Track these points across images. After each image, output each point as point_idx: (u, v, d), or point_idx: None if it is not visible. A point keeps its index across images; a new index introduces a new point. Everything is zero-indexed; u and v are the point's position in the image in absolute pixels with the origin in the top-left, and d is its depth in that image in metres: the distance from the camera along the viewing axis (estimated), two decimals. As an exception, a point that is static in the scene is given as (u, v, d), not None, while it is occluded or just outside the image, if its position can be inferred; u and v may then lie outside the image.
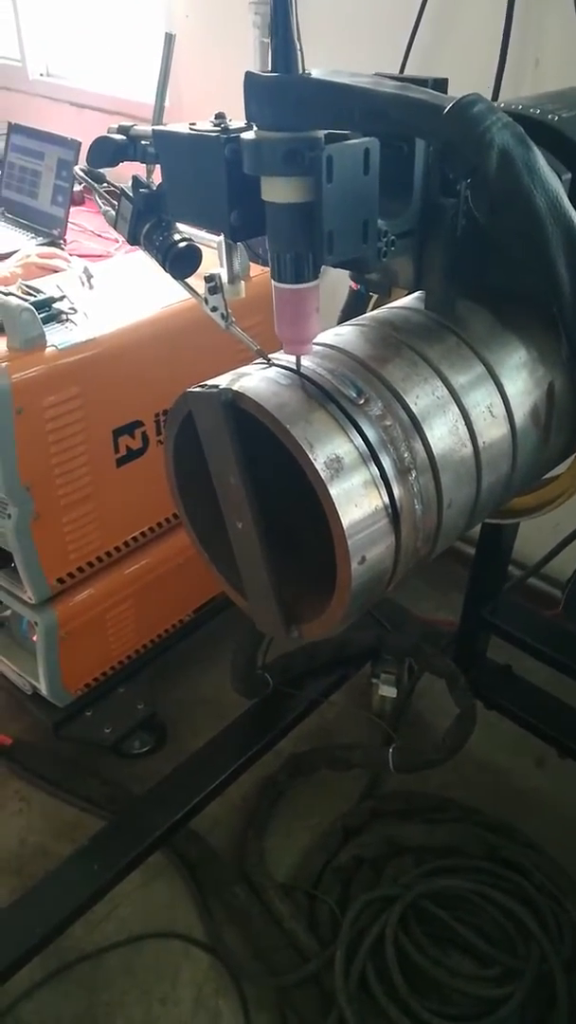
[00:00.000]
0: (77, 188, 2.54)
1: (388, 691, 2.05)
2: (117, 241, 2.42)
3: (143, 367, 1.67)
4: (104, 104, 2.85)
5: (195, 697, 2.19)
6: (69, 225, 2.44)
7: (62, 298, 1.64)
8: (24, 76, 3.08)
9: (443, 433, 0.81)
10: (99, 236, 2.48)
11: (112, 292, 1.73)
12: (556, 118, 0.80)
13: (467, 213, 0.79)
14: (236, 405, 0.77)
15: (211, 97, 2.02)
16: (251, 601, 0.89)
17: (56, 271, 1.95)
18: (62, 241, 2.41)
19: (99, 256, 2.32)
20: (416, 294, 0.96)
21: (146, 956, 1.70)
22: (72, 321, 1.61)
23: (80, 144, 2.36)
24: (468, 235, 0.81)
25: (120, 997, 1.63)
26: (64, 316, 1.61)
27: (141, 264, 1.89)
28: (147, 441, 1.75)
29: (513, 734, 1.98)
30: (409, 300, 0.95)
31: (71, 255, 2.29)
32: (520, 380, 0.89)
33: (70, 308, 1.63)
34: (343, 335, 0.87)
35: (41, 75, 3.08)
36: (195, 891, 1.79)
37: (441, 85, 0.72)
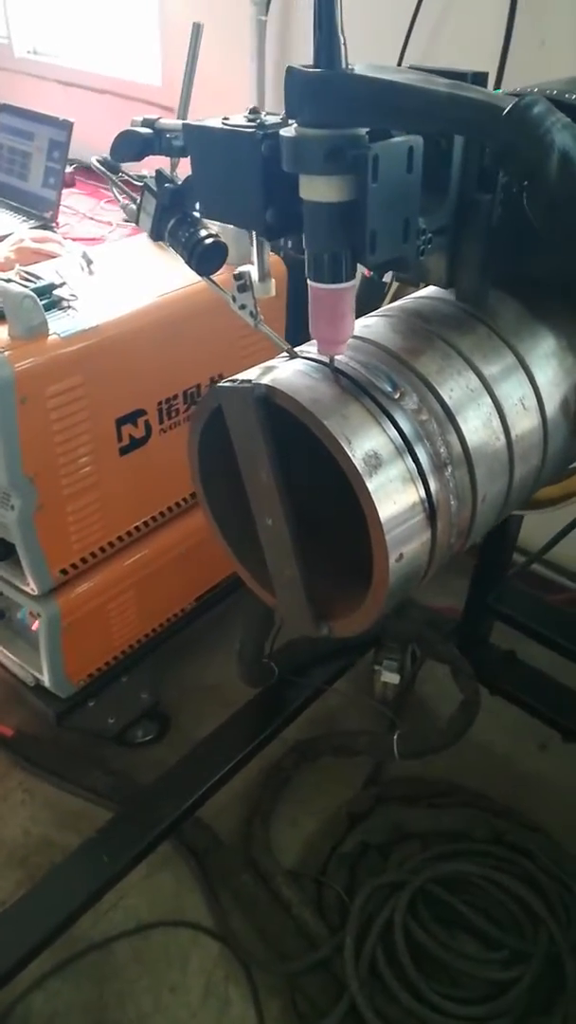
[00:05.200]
0: (69, 170, 2.49)
1: (391, 677, 2.05)
2: (111, 224, 2.38)
3: (146, 355, 1.64)
4: (92, 83, 2.79)
5: (198, 685, 2.19)
6: (61, 208, 2.40)
7: (62, 284, 1.60)
8: (10, 54, 3.01)
9: (477, 426, 0.80)
10: (91, 219, 2.43)
11: (113, 278, 1.69)
12: (590, 104, 0.78)
13: (503, 203, 0.78)
14: (269, 400, 0.75)
15: (208, 78, 1.99)
16: (280, 598, 0.87)
17: (51, 256, 1.92)
18: (54, 224, 2.36)
19: (93, 240, 2.28)
20: (441, 283, 0.94)
21: (155, 945, 1.70)
22: (73, 308, 1.57)
23: (72, 124, 2.31)
24: (502, 227, 0.80)
25: (130, 986, 1.64)
26: (65, 303, 1.58)
27: (140, 249, 1.86)
28: (150, 430, 1.72)
29: (516, 719, 1.99)
30: (435, 289, 0.93)
31: (64, 238, 2.25)
32: (550, 369, 0.88)
33: (71, 295, 1.59)
34: (371, 326, 0.86)
35: (28, 53, 3.01)
36: (202, 879, 1.79)
37: (481, 79, 0.70)
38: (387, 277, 1.27)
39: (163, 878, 1.80)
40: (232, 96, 2.16)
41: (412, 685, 2.15)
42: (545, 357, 0.89)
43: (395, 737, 1.83)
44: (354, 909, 1.66)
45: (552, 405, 0.87)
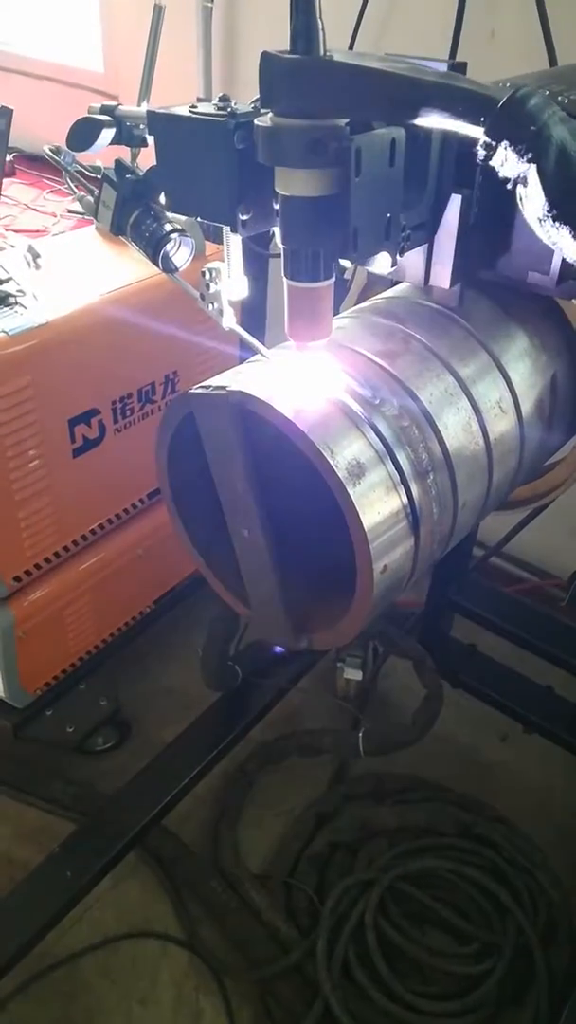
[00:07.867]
0: (9, 159, 2.40)
1: (354, 674, 2.04)
2: (55, 215, 2.30)
3: (98, 353, 1.59)
4: (32, 68, 2.69)
5: (158, 688, 2.14)
6: (1, 198, 2.31)
7: (8, 280, 1.53)
8: (-58, 37, 2.88)
9: (457, 431, 0.79)
10: (34, 210, 2.35)
11: (61, 272, 1.63)
12: (566, 100, 0.77)
13: (479, 202, 0.76)
14: (244, 407, 0.72)
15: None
16: (255, 610, 0.84)
17: (-6, 249, 1.84)
18: (-6, 216, 2.27)
19: (37, 232, 2.19)
20: (413, 281, 0.92)
21: (123, 957, 1.66)
22: (21, 304, 1.51)
23: (12, 111, 2.22)
24: (477, 226, 0.78)
25: (98, 1002, 1.60)
26: (13, 299, 1.51)
27: (88, 241, 1.79)
28: (104, 430, 1.67)
29: (476, 711, 2.00)
30: (407, 288, 0.91)
31: (6, 230, 2.16)
32: (524, 368, 0.87)
33: (18, 290, 1.53)
34: (346, 328, 0.83)
35: (-39, 37, 2.88)
36: (169, 888, 1.76)
37: (460, 69, 0.68)
38: (349, 273, 1.24)
39: (129, 888, 1.76)
40: (178, 82, 2.10)
41: (375, 681, 2.14)
42: (519, 356, 0.88)
43: (360, 734, 1.82)
44: (325, 911, 1.65)
45: (528, 406, 0.86)
